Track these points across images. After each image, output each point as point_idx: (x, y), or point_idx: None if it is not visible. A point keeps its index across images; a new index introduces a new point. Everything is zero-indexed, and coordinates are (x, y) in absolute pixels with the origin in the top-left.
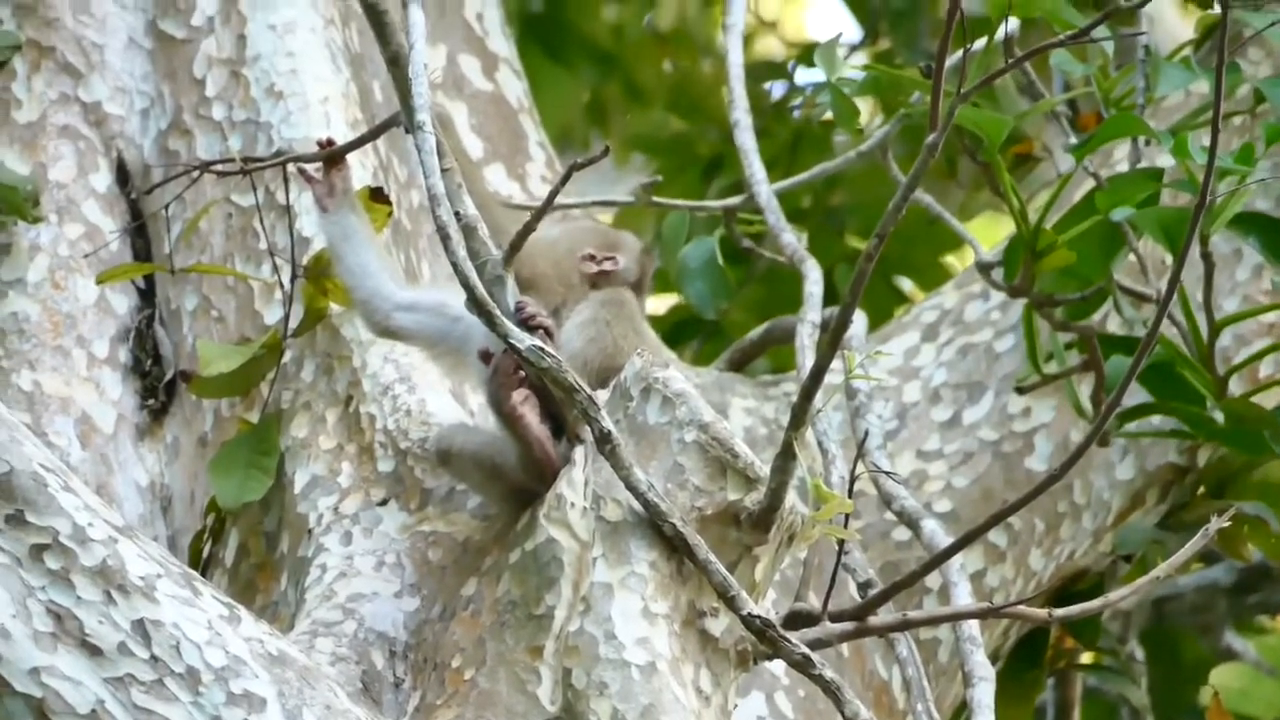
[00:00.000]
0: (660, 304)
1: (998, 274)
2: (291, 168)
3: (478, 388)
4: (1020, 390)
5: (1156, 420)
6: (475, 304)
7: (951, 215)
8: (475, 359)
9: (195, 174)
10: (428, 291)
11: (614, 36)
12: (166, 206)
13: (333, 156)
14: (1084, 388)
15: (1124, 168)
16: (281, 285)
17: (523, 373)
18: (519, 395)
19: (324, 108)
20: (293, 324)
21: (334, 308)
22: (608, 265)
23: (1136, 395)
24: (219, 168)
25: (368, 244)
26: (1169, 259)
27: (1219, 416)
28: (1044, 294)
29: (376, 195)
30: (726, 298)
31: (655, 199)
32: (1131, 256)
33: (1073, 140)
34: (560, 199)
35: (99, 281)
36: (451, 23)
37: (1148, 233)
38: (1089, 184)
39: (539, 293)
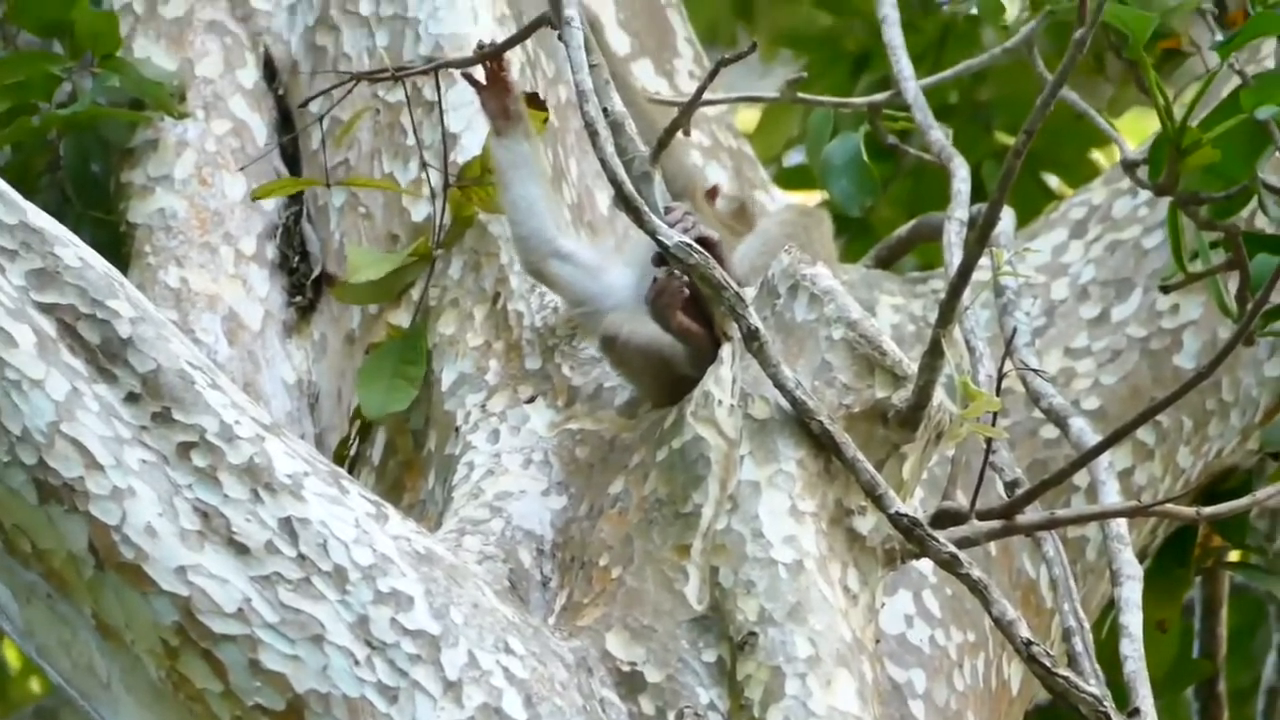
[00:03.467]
0: (807, 201)
1: (1143, 172)
2: (457, 74)
3: None
4: (1165, 289)
5: None
6: (622, 200)
7: (1099, 111)
8: None
9: (346, 85)
10: (586, 248)
11: None
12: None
13: (496, 66)
14: (1230, 286)
15: (1271, 65)
16: (431, 189)
17: (685, 288)
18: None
19: (471, 3)
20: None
21: (481, 216)
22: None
23: None
24: (370, 75)
25: (537, 177)
26: None
27: None
28: (1189, 192)
29: (533, 101)
30: (872, 195)
31: (801, 95)
32: (1278, 154)
33: (1219, 37)
34: (707, 95)
35: (254, 198)
36: None
37: None
38: (1237, 80)
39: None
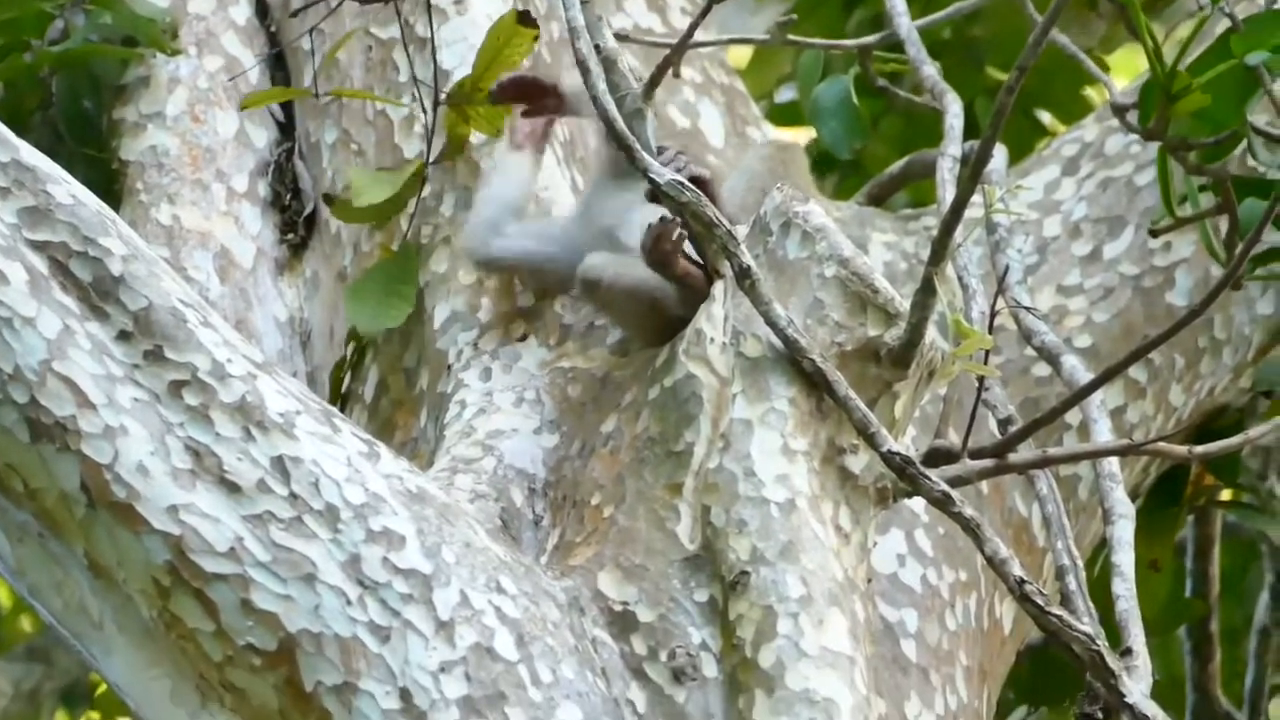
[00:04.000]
0: (798, 139)
1: (1133, 116)
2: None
3: None
4: (1154, 233)
5: None
6: (614, 137)
7: (1092, 48)
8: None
9: (337, 1)
10: (535, 221)
11: None
12: (310, 32)
13: (554, 100)
14: (1220, 230)
15: (1263, 5)
16: (425, 111)
17: (682, 232)
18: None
19: None
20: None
21: (475, 137)
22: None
23: (1271, 237)
24: None
25: (515, 183)
26: None
27: None
28: (1178, 137)
29: (524, 19)
30: (861, 137)
31: (791, 37)
32: (1267, 99)
33: None
34: (698, 35)
35: (243, 107)
36: None
37: None
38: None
39: None
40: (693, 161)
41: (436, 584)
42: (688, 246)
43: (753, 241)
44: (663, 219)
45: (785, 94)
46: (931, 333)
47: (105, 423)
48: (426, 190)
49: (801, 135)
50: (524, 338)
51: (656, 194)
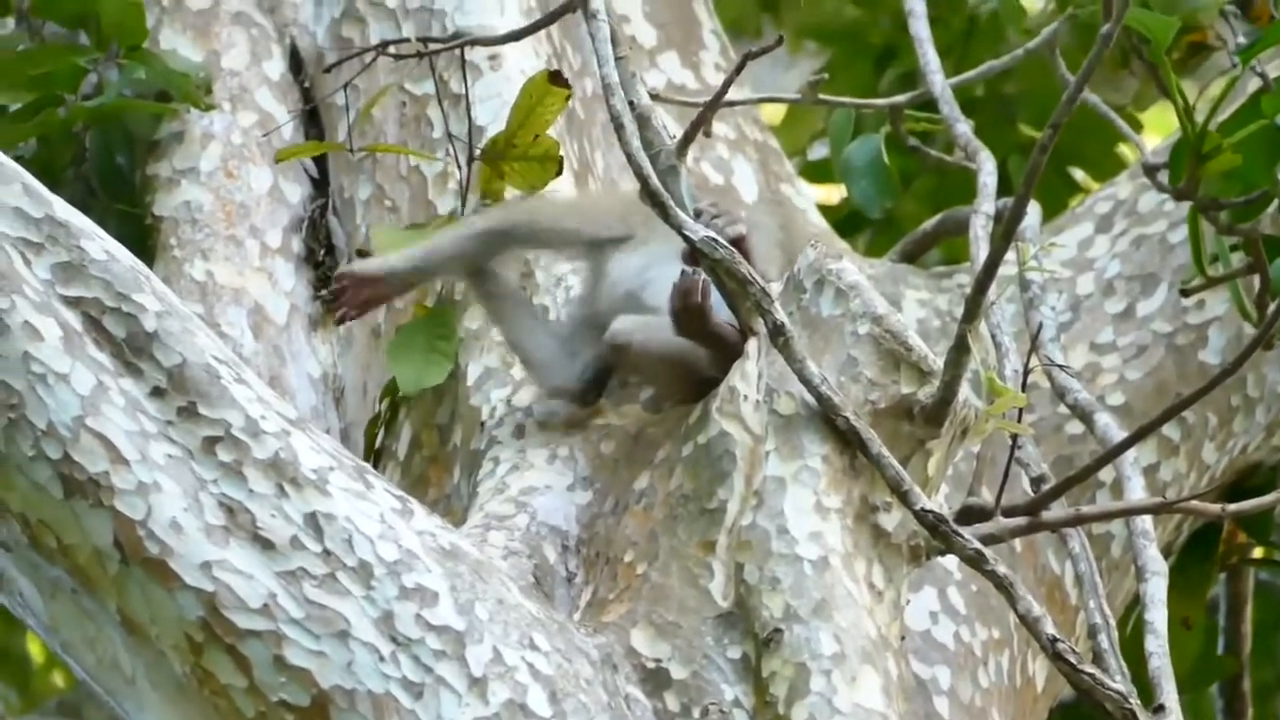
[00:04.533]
0: (832, 195)
1: (1163, 176)
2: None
3: None
4: (1185, 293)
5: None
6: (648, 194)
7: (1124, 106)
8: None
9: (372, 56)
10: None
11: None
12: (344, 87)
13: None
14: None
15: None
16: (459, 167)
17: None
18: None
19: None
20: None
21: (509, 192)
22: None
23: None
24: (396, 50)
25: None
26: None
27: None
28: (1209, 197)
29: (555, 79)
30: (891, 197)
31: (822, 96)
32: None
33: (1241, 40)
34: (732, 93)
35: (277, 160)
36: None
37: None
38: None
39: None
40: (729, 219)
41: (470, 640)
42: (717, 301)
43: (786, 299)
44: (684, 273)
45: (818, 150)
46: (965, 390)
47: (139, 479)
48: None
49: (833, 193)
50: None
51: (692, 251)
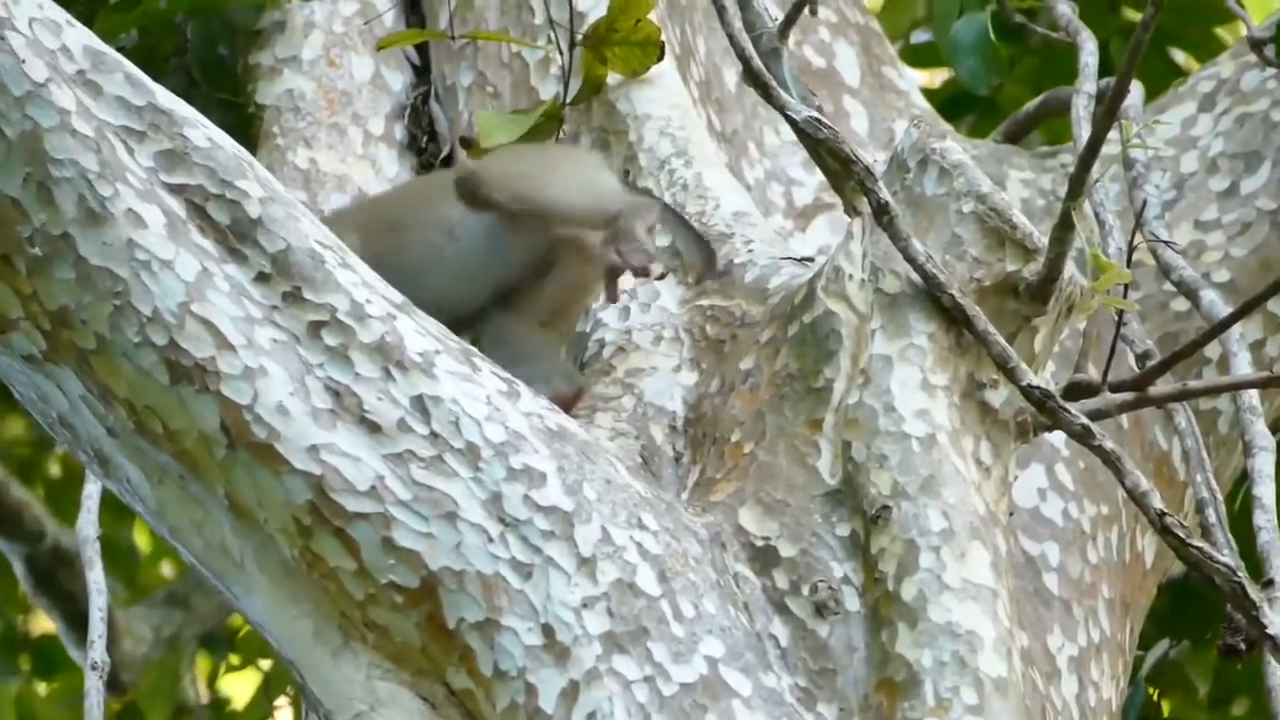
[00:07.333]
0: (934, 78)
1: (1269, 50)
2: None
3: None
4: None
5: None
6: (751, 76)
7: None
8: None
9: None
10: None
11: None
12: None
13: None
14: None
15: None
16: (561, 53)
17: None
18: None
19: None
20: (571, 93)
21: (612, 78)
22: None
23: None
24: None
25: None
26: None
27: None
28: None
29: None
30: (999, 74)
31: None
32: None
33: None
34: None
35: (379, 48)
36: None
37: None
38: None
39: None
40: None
41: (578, 520)
42: None
43: (890, 178)
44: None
45: (919, 37)
46: (1070, 268)
47: (244, 364)
48: (562, 131)
49: (935, 77)
50: (662, 276)
51: (794, 130)
